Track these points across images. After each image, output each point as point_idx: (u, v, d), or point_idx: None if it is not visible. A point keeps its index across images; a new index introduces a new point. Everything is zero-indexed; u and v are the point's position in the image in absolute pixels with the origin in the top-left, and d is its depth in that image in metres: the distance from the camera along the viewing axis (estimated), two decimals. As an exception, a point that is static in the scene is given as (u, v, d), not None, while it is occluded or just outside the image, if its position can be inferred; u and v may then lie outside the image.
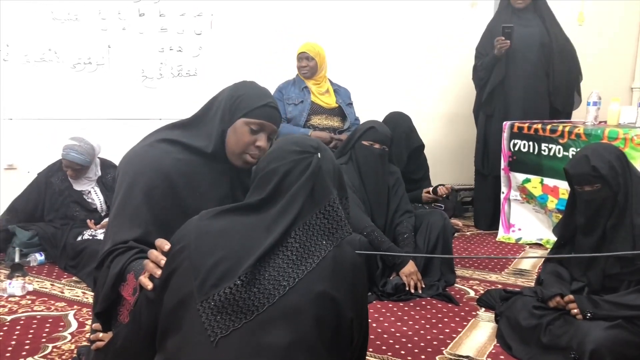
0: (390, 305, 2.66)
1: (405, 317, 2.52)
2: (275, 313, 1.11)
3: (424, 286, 2.77)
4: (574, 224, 2.19)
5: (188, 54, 3.84)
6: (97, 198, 3.27)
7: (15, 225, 3.17)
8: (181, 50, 3.82)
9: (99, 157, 3.30)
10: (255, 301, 1.12)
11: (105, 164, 3.34)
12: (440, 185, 3.50)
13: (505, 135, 3.73)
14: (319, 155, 1.25)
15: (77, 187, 3.24)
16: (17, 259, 3.02)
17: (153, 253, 1.27)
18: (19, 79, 3.47)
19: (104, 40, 3.63)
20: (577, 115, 3.93)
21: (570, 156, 3.34)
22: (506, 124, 3.74)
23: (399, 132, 3.45)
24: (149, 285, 1.24)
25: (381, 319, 2.50)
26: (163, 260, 1.24)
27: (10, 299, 2.63)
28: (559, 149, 3.43)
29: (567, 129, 3.40)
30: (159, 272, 1.23)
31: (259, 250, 1.14)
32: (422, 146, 3.66)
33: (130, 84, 3.72)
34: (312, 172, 1.22)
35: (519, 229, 3.76)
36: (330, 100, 3.56)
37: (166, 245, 1.25)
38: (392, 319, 2.51)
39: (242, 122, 1.66)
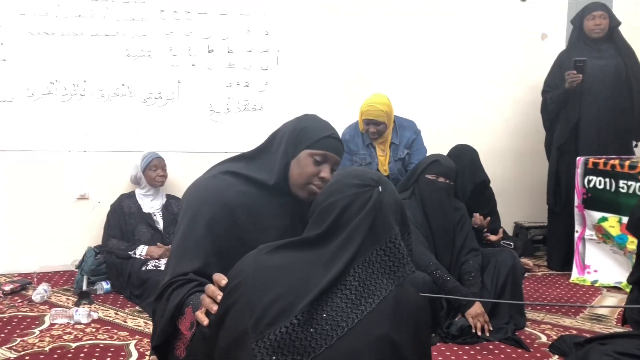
0: (455, 348, 2.53)
1: (472, 362, 2.39)
2: (332, 356, 1.06)
3: (491, 329, 2.63)
4: None
5: (254, 89, 3.91)
6: (161, 221, 3.40)
7: (91, 247, 3.32)
8: (248, 85, 3.89)
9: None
10: (312, 342, 1.07)
11: (169, 195, 3.51)
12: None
13: (579, 171, 3.56)
14: (380, 189, 1.20)
15: (146, 209, 3.40)
16: (84, 287, 3.10)
17: (210, 288, 1.25)
18: (94, 113, 3.62)
19: (174, 75, 3.75)
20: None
21: (653, 194, 3.14)
22: (580, 160, 3.57)
23: (461, 164, 3.32)
24: (205, 321, 1.22)
25: (445, 362, 2.38)
26: (220, 295, 1.21)
27: (76, 326, 2.69)
28: (639, 187, 3.23)
29: (647, 165, 3.21)
30: (215, 307, 1.21)
31: (317, 289, 1.09)
32: (487, 181, 3.51)
33: (198, 118, 3.81)
34: (372, 206, 1.17)
35: (595, 271, 3.54)
36: (386, 166, 3.42)
37: (223, 280, 1.22)
38: (457, 363, 2.39)
39: (305, 154, 1.65)
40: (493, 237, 3.27)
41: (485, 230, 3.24)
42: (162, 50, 3.72)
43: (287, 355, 1.07)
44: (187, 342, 1.37)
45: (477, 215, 3.27)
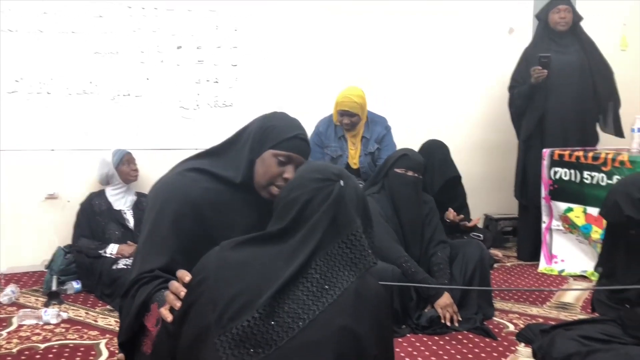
0: (424, 339, 2.57)
1: (441, 352, 2.43)
2: (294, 348, 1.08)
3: (460, 319, 2.67)
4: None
5: (224, 85, 3.89)
6: (131, 219, 3.36)
7: (60, 247, 3.29)
8: (217, 81, 3.88)
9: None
10: (274, 335, 1.08)
11: (139, 193, 3.47)
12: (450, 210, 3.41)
13: (545, 163, 3.63)
14: (342, 183, 1.22)
15: (117, 207, 3.36)
16: (54, 287, 3.06)
17: (174, 284, 1.26)
18: (61, 111, 3.57)
19: (142, 72, 3.71)
20: (620, 142, 3.80)
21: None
22: (546, 152, 3.64)
23: (432, 160, 3.37)
24: (169, 317, 1.23)
25: (415, 353, 2.42)
26: (183, 291, 1.22)
27: (45, 326, 2.66)
28: (602, 177, 3.31)
29: (610, 156, 3.29)
30: (178, 304, 1.22)
31: (278, 282, 1.11)
32: (458, 177, 3.56)
33: (167, 115, 3.78)
34: (333, 200, 1.19)
35: (562, 260, 3.62)
36: (356, 159, 3.50)
37: (187, 276, 1.23)
38: (427, 353, 2.42)
39: (270, 154, 1.65)
40: (470, 224, 3.41)
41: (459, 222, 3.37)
42: (129, 47, 3.67)
43: (250, 349, 1.08)
44: (154, 339, 1.38)
45: (450, 210, 3.35)
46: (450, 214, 3.33)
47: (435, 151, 3.48)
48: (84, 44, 3.58)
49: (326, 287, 1.13)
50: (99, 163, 3.41)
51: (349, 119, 3.39)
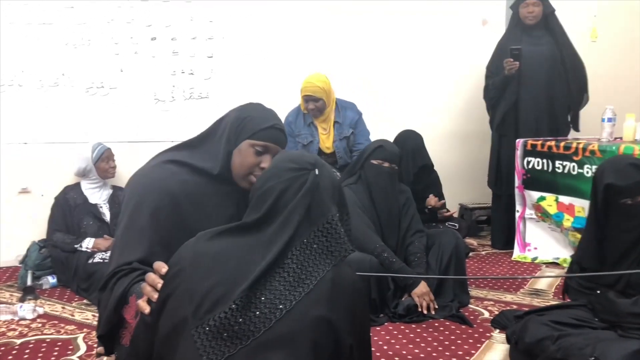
0: (402, 327, 2.61)
1: (418, 339, 2.47)
2: (271, 338, 1.09)
3: (436, 307, 2.71)
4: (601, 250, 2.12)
5: (199, 77, 3.87)
6: (108, 212, 3.34)
7: (35, 242, 3.25)
8: (193, 73, 3.86)
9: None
10: (251, 326, 1.09)
11: (115, 186, 3.45)
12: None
13: (518, 153, 3.69)
14: (317, 172, 1.23)
15: (92, 200, 3.32)
16: (29, 282, 3.03)
17: (150, 276, 1.26)
18: (33, 104, 3.52)
19: (116, 64, 3.68)
20: (591, 132, 3.88)
21: (586, 173, 3.29)
22: (519, 142, 3.70)
23: (405, 149, 3.44)
24: (146, 309, 1.23)
25: (393, 341, 2.45)
26: (160, 283, 1.22)
27: (21, 322, 2.63)
28: (574, 166, 3.38)
29: (581, 145, 3.35)
30: (156, 295, 1.22)
31: (254, 273, 1.11)
32: (430, 165, 3.62)
33: (142, 107, 3.75)
34: (308, 189, 1.20)
35: (535, 248, 3.70)
36: (329, 144, 3.53)
37: (164, 268, 1.23)
38: (404, 341, 2.46)
39: (247, 144, 1.66)
40: (447, 214, 3.58)
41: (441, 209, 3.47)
42: (103, 38, 3.63)
43: (227, 340, 1.09)
44: (133, 331, 1.38)
45: (432, 196, 3.42)
46: (432, 200, 3.43)
47: (408, 140, 3.56)
48: (55, 36, 3.54)
49: (302, 276, 1.14)
50: (76, 156, 3.36)
51: (314, 104, 3.44)
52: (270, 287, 1.12)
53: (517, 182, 3.72)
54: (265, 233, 1.18)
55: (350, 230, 1.28)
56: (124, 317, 1.46)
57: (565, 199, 3.42)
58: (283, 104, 3.41)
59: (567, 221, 3.41)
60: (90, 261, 3.06)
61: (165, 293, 1.18)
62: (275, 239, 1.16)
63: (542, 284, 3.25)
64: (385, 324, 2.64)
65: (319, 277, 1.14)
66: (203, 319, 1.10)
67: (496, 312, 2.74)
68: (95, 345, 2.34)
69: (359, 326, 1.20)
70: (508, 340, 2.28)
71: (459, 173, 4.48)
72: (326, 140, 3.54)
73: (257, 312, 1.10)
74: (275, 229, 1.17)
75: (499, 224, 4.07)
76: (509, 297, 3.04)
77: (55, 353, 2.31)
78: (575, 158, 3.37)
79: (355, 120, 3.59)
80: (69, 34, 3.56)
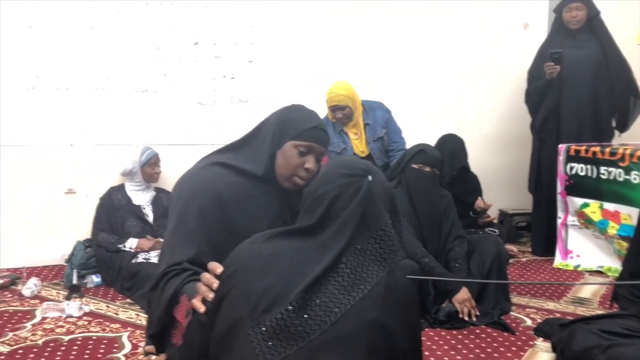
0: (443, 333, 2.59)
1: (459, 346, 2.45)
2: (327, 340, 1.09)
3: (478, 314, 2.68)
4: None
5: (240, 81, 3.92)
6: (151, 214, 3.40)
7: (80, 241, 3.33)
8: (234, 77, 3.91)
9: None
10: (307, 328, 1.10)
11: (158, 188, 3.52)
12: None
13: (561, 158, 3.63)
14: (370, 178, 1.24)
15: (137, 201, 3.40)
16: (74, 281, 3.11)
17: (205, 276, 1.28)
18: (80, 107, 3.61)
19: (159, 68, 3.75)
20: (638, 137, 3.80)
21: (633, 180, 3.21)
22: (562, 147, 3.64)
23: (443, 152, 3.41)
24: (202, 308, 1.25)
25: (434, 347, 2.44)
26: (215, 283, 1.24)
27: (68, 319, 2.70)
28: (620, 173, 3.30)
29: (628, 152, 3.28)
30: (211, 295, 1.24)
31: (310, 276, 1.12)
32: (466, 167, 3.59)
33: (184, 111, 3.82)
34: (363, 196, 1.21)
35: (578, 256, 3.62)
36: (363, 147, 3.54)
37: (219, 268, 1.25)
38: (446, 347, 2.44)
39: (290, 145, 1.69)
40: (480, 202, 3.57)
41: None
42: (147, 43, 3.71)
43: (283, 341, 1.10)
44: (183, 330, 1.41)
45: (480, 199, 3.46)
46: (481, 202, 3.42)
47: (446, 143, 3.53)
48: (102, 41, 3.62)
49: (356, 281, 1.15)
50: (126, 157, 3.42)
51: (341, 113, 3.46)
52: (325, 291, 1.13)
53: (559, 188, 3.66)
54: (320, 238, 1.19)
55: (402, 236, 1.29)
56: (175, 316, 1.49)
57: (610, 206, 3.35)
58: (321, 108, 3.43)
59: (612, 229, 3.33)
60: (133, 261, 3.12)
61: (221, 293, 1.20)
62: (330, 244, 1.17)
63: (586, 292, 3.19)
64: (426, 330, 2.62)
65: (372, 282, 1.15)
66: (259, 319, 1.11)
67: (539, 320, 2.70)
68: (141, 344, 2.39)
69: (413, 331, 1.21)
70: (553, 349, 2.25)
71: (499, 178, 4.43)
72: (359, 144, 3.54)
73: (313, 315, 1.11)
74: (330, 235, 1.18)
75: (539, 230, 4.01)
76: (551, 305, 2.98)
77: (102, 350, 2.37)
78: (621, 164, 3.29)
79: (386, 119, 3.60)
80: (114, 39, 3.64)
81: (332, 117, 3.51)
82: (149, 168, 3.41)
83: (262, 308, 1.12)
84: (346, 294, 1.13)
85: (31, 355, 2.29)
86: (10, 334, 2.51)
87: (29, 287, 3.05)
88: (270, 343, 1.10)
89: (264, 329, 1.11)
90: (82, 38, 3.59)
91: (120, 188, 3.44)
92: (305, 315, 1.11)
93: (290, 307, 1.11)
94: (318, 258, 1.16)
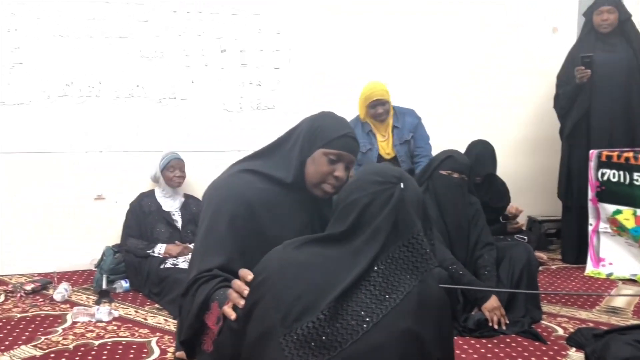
0: (472, 341, 2.55)
1: (489, 355, 2.41)
2: (359, 350, 1.09)
3: (508, 322, 2.64)
4: None
5: (266, 88, 3.94)
6: (179, 220, 3.43)
7: (109, 246, 3.37)
8: (260, 84, 3.92)
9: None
10: (339, 337, 1.09)
11: (187, 195, 3.55)
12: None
13: (592, 164, 3.56)
14: (402, 186, 1.23)
15: (166, 207, 3.44)
16: (104, 286, 3.15)
17: (236, 283, 1.28)
18: (109, 114, 3.67)
19: (187, 75, 3.78)
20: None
21: (667, 186, 3.14)
22: (593, 153, 3.57)
23: (470, 158, 3.36)
24: (232, 315, 1.25)
25: (463, 355, 2.40)
26: (246, 290, 1.24)
27: (97, 324, 2.73)
28: (654, 179, 3.23)
29: (661, 157, 3.21)
30: (242, 302, 1.24)
31: (342, 285, 1.12)
32: (492, 174, 3.52)
33: (211, 118, 3.85)
34: (395, 204, 1.20)
35: (610, 264, 3.55)
36: (389, 149, 3.55)
37: (249, 275, 1.26)
38: (475, 356, 2.40)
39: (320, 153, 1.70)
40: (513, 208, 3.54)
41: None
42: (175, 50, 3.75)
43: (315, 350, 1.09)
44: (214, 336, 1.41)
45: (512, 204, 3.45)
46: (513, 208, 3.40)
47: (473, 148, 3.46)
48: (131, 48, 3.67)
49: (389, 290, 1.13)
50: (152, 163, 3.50)
51: (382, 108, 3.48)
52: (357, 299, 1.12)
53: (590, 194, 3.59)
54: (351, 245, 1.18)
55: (434, 244, 1.27)
56: (206, 323, 1.50)
57: (644, 213, 3.28)
58: (348, 115, 3.42)
59: (646, 236, 3.26)
60: (161, 266, 3.15)
61: (252, 300, 1.20)
62: (361, 252, 1.16)
63: (620, 301, 3.11)
64: (455, 338, 2.59)
65: (405, 291, 1.14)
66: (291, 327, 1.11)
67: (571, 330, 2.64)
68: (170, 350, 2.41)
69: (445, 340, 1.19)
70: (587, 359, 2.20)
71: (528, 184, 4.36)
72: (386, 146, 3.55)
73: (345, 323, 1.10)
74: (361, 242, 1.18)
75: (570, 237, 3.94)
76: (583, 314, 2.92)
77: (131, 355, 2.38)
78: (655, 170, 3.22)
79: (415, 125, 3.61)
80: (143, 47, 3.69)
81: (369, 115, 3.53)
82: (168, 172, 3.43)
83: (294, 316, 1.12)
84: (378, 302, 1.12)
85: (62, 359, 2.33)
86: (43, 338, 2.55)
87: (60, 291, 3.10)
88: (301, 352, 1.10)
89: (295, 337, 1.10)
90: (112, 47, 3.64)
91: (150, 194, 3.48)
92: (337, 324, 1.10)
93: (321, 316, 1.10)
94: (350, 266, 1.15)
